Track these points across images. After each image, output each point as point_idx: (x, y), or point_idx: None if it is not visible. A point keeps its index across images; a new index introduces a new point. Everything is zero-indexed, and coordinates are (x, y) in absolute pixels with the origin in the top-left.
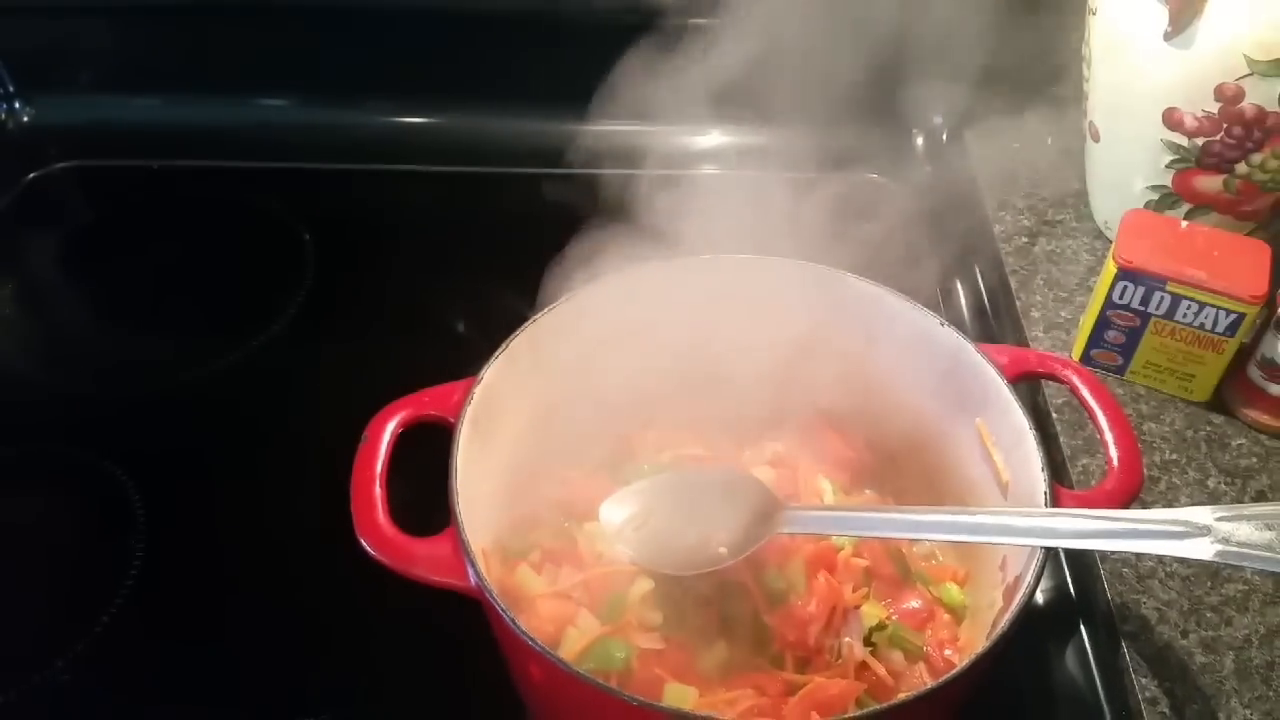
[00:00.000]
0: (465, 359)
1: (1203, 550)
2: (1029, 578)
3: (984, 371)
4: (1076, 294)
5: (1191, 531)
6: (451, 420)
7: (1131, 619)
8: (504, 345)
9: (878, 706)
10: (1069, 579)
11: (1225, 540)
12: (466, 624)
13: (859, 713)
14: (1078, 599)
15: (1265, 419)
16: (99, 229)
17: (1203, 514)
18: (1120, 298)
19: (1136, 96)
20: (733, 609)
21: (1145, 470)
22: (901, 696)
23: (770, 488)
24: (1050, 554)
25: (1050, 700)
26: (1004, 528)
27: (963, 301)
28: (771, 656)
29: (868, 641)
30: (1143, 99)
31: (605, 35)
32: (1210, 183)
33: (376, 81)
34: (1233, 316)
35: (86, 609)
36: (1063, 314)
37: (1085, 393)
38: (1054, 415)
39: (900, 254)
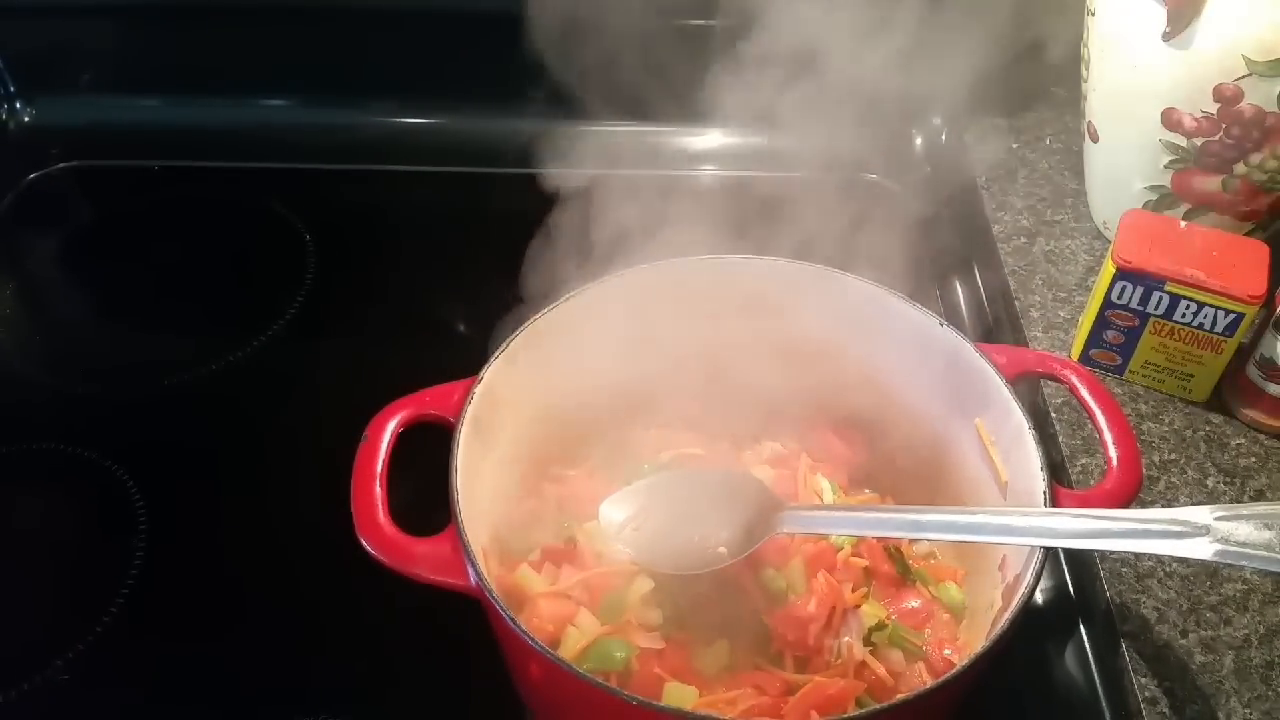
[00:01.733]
0: (465, 359)
1: (1202, 550)
2: (1028, 577)
3: (983, 371)
4: (1075, 294)
5: (1191, 531)
6: (451, 420)
7: (1131, 619)
8: (504, 345)
9: (877, 706)
10: (1068, 579)
11: (1224, 540)
12: (466, 624)
13: (858, 712)
14: (1077, 599)
15: (1264, 419)
16: (99, 229)
17: (1202, 514)
18: (1119, 298)
19: (1135, 97)
20: (733, 609)
21: (1144, 470)
22: (901, 696)
23: (770, 488)
24: (1049, 554)
25: (1050, 700)
26: (1004, 527)
27: (962, 301)
28: (771, 656)
29: (867, 641)
30: (1141, 99)
31: (605, 36)
32: (1209, 183)
33: (376, 81)
34: (1231, 316)
35: (86, 609)
36: (1061, 314)
37: (1084, 392)
38: (1053, 415)
39: (899, 254)
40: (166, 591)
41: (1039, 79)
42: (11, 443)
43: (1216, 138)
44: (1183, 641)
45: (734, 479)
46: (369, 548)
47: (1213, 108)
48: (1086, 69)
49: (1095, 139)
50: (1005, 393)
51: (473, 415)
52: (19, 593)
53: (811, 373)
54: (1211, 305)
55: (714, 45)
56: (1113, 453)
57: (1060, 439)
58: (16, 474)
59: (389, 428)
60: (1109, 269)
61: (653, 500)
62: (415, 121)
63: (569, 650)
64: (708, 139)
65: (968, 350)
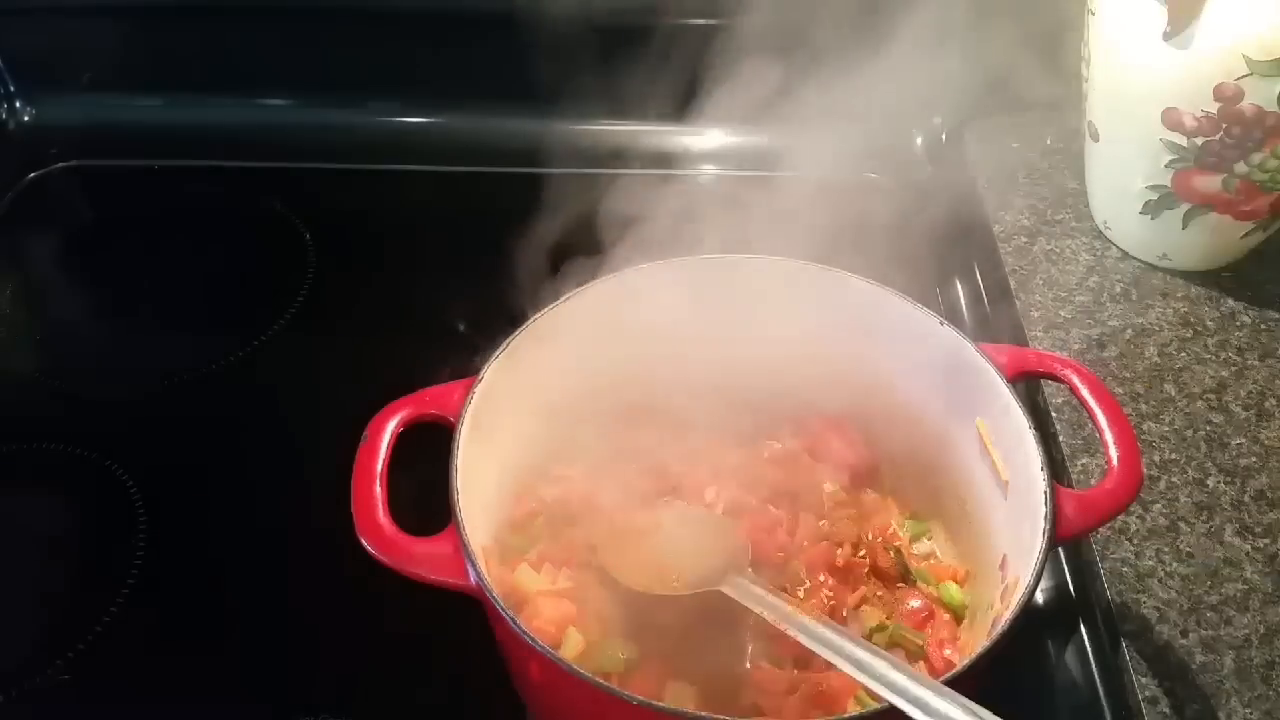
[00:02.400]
0: (465, 359)
1: None
2: (1028, 578)
3: (984, 371)
4: (1076, 293)
5: None
6: (451, 420)
7: (1131, 618)
8: (504, 345)
9: (877, 706)
10: (1068, 579)
11: None
12: (466, 624)
13: (859, 712)
14: (1078, 598)
15: None
16: (99, 229)
17: None
18: None
19: (1136, 96)
20: (733, 607)
21: (1145, 470)
22: None
23: (745, 548)
24: (1049, 554)
25: (1050, 700)
26: (916, 699)
27: (963, 301)
28: (771, 655)
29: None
30: (1142, 99)
31: (605, 35)
32: (1209, 182)
33: (376, 81)
34: None
35: (86, 609)
36: (1062, 314)
37: (1085, 392)
38: (1054, 415)
39: (900, 254)
40: (166, 591)
41: (1039, 79)
42: (11, 443)
43: (1217, 137)
44: (1183, 641)
45: (714, 527)
46: (369, 548)
47: (1213, 107)
48: (1087, 69)
49: (1095, 139)
50: (1005, 392)
51: (473, 415)
52: (19, 593)
53: (812, 372)
54: None
55: (714, 45)
56: (1113, 453)
57: (1060, 439)
58: (16, 474)
59: (389, 428)
60: None
61: (642, 520)
62: (415, 121)
63: (569, 650)
64: (708, 139)
65: (968, 350)
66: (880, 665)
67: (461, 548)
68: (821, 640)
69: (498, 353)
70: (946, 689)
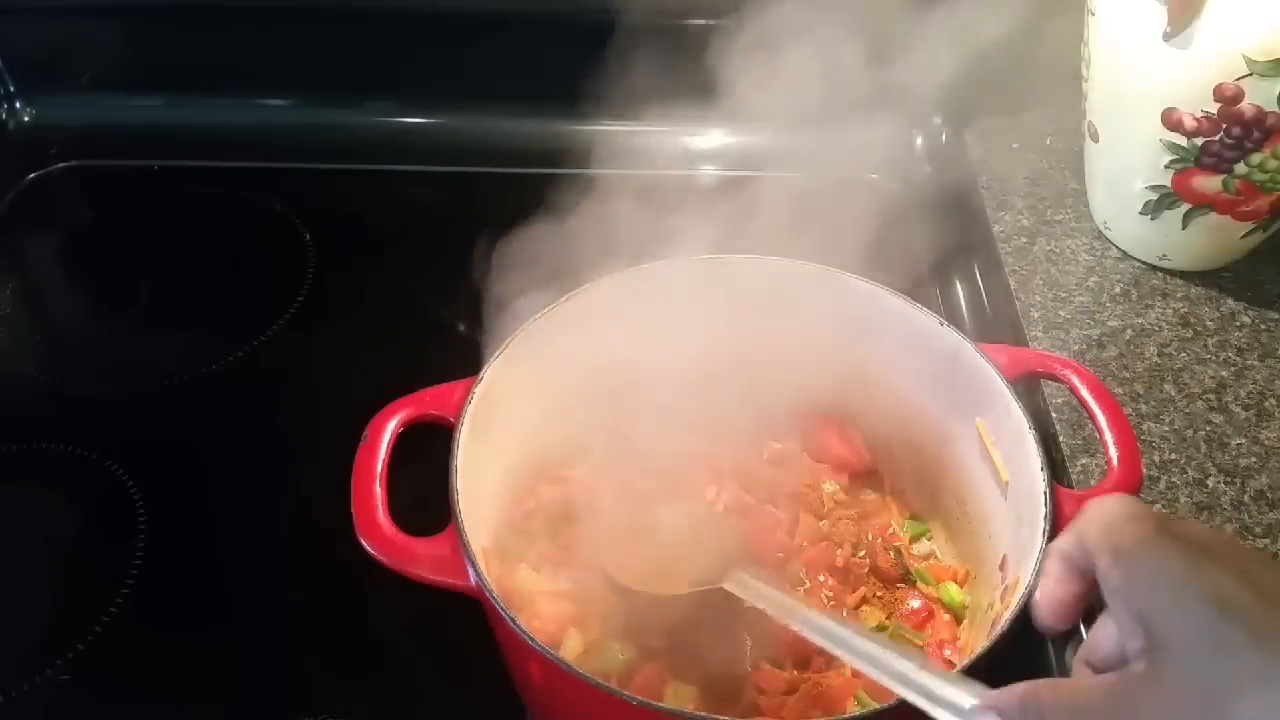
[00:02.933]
0: (465, 359)
1: None
2: (1028, 578)
3: (984, 371)
4: (1076, 294)
5: None
6: (451, 420)
7: None
8: (504, 345)
9: (877, 706)
10: None
11: None
12: (466, 624)
13: (858, 712)
14: None
15: None
16: (99, 229)
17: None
18: None
19: (1135, 97)
20: (733, 607)
21: (1145, 470)
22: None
23: (744, 544)
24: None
25: None
26: (923, 689)
27: (962, 301)
28: (771, 655)
29: None
30: (1142, 99)
31: (605, 35)
32: (1209, 183)
33: (376, 81)
34: None
35: (86, 609)
36: (1062, 314)
37: (1084, 392)
38: (1054, 415)
39: (899, 254)
40: (166, 591)
41: (1039, 79)
42: (11, 443)
43: (1217, 138)
44: None
45: (715, 524)
46: (369, 548)
47: (1213, 107)
48: (1087, 69)
49: (1095, 139)
50: (1006, 393)
51: (473, 415)
52: (19, 593)
53: (812, 373)
54: None
55: (714, 44)
56: (1113, 453)
57: (1060, 439)
58: (16, 474)
59: (389, 428)
60: None
61: (642, 518)
62: (415, 121)
63: (569, 651)
64: (708, 139)
65: (968, 350)
66: (886, 655)
67: (461, 548)
68: (825, 633)
69: (498, 353)
70: (955, 675)
